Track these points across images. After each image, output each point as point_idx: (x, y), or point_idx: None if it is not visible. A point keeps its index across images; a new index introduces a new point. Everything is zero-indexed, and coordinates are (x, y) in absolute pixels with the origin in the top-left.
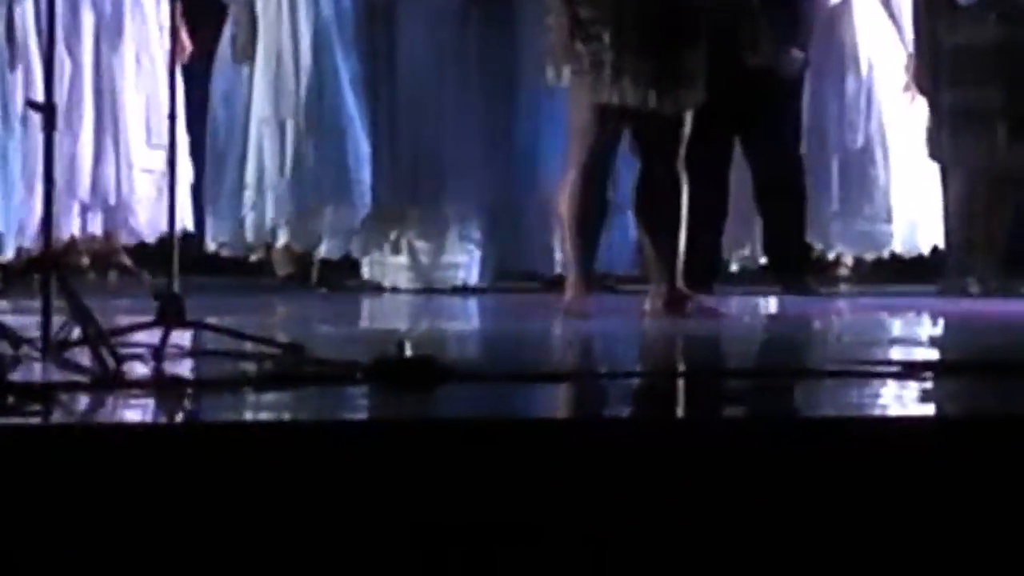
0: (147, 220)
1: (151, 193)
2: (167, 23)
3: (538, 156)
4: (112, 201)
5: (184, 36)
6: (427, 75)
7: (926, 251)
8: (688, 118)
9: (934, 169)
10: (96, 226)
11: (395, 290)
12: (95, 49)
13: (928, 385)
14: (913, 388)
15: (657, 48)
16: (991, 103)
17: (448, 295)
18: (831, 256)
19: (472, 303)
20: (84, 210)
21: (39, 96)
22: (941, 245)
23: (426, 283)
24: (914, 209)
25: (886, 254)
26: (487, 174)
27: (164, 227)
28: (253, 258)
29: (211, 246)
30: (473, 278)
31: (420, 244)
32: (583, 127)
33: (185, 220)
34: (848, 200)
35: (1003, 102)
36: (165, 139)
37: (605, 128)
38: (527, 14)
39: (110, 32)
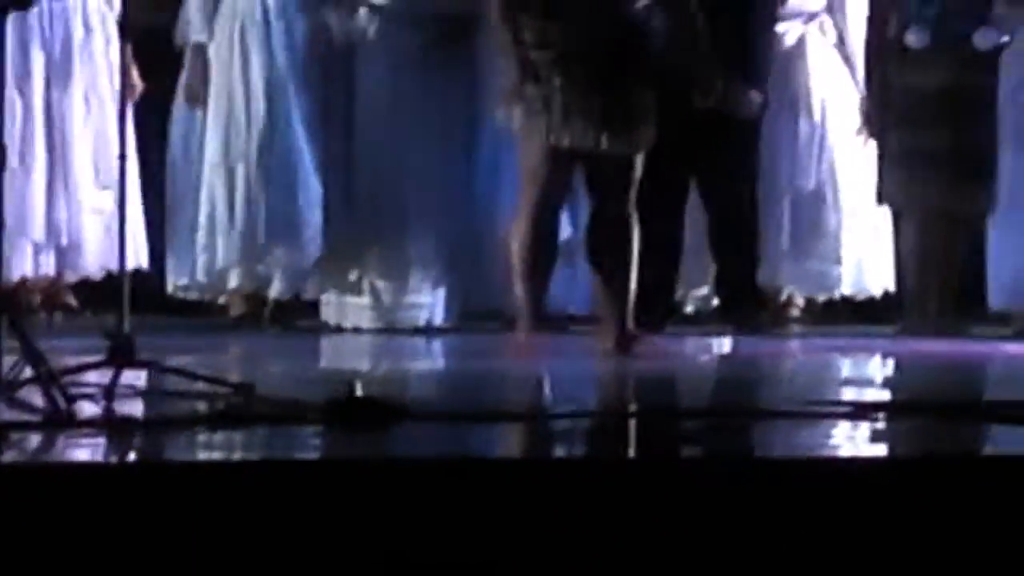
0: (96, 259)
1: (100, 233)
2: (117, 62)
3: (499, 195)
4: (64, 241)
5: (135, 75)
6: (388, 116)
7: (876, 293)
8: (639, 159)
9: (885, 211)
10: (48, 266)
11: (356, 330)
12: (45, 89)
13: (880, 425)
14: (865, 428)
15: (607, 89)
16: (941, 145)
17: (410, 335)
18: (782, 296)
19: (431, 343)
20: (37, 251)
21: None
22: (892, 287)
23: (389, 323)
24: (864, 251)
25: (836, 295)
26: (449, 214)
27: (115, 266)
28: (207, 299)
29: (171, 287)
30: (437, 318)
31: (382, 284)
32: (534, 168)
33: (140, 259)
34: (798, 241)
35: (953, 144)
36: (115, 179)
37: (556, 169)
38: (488, 55)
39: (60, 72)
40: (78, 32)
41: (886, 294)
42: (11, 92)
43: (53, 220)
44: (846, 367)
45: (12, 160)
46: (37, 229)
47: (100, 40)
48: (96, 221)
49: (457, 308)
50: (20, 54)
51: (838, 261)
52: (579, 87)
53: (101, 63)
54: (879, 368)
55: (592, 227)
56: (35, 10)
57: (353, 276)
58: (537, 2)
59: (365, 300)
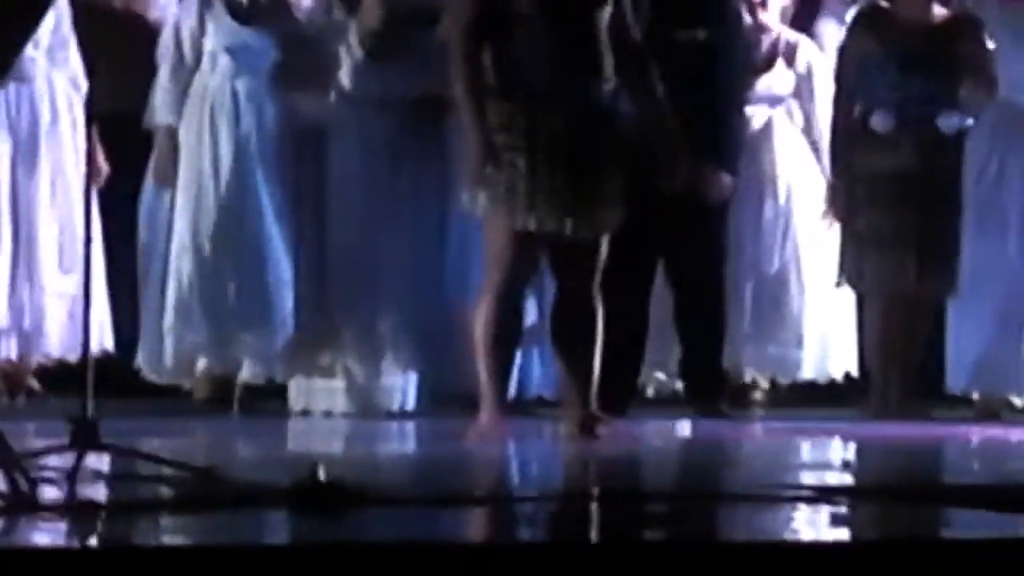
0: (59, 343)
1: (63, 317)
2: (83, 146)
3: (470, 278)
4: (26, 326)
5: (101, 159)
6: (360, 199)
7: (838, 376)
8: (604, 241)
9: (848, 294)
10: (10, 350)
11: (327, 414)
12: (11, 174)
13: (841, 509)
14: (826, 512)
15: (573, 172)
16: (906, 228)
17: (380, 420)
18: (745, 379)
19: (401, 427)
20: None
21: None
22: (854, 371)
23: (363, 406)
24: (827, 335)
25: (797, 379)
26: (421, 296)
27: (78, 350)
28: (174, 382)
29: (143, 369)
30: (410, 402)
31: (356, 367)
32: (498, 252)
33: (105, 342)
34: (760, 324)
35: (917, 227)
36: (79, 263)
37: (520, 253)
38: (458, 138)
39: (26, 157)
40: (45, 116)
41: (848, 377)
42: None
43: (16, 304)
44: (808, 450)
45: None
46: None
47: (67, 124)
48: (59, 305)
49: (428, 391)
50: None
51: (800, 344)
52: (544, 170)
53: (68, 147)
54: (841, 451)
55: (556, 310)
56: (0, 94)
57: (326, 359)
58: (502, 85)
59: (338, 383)
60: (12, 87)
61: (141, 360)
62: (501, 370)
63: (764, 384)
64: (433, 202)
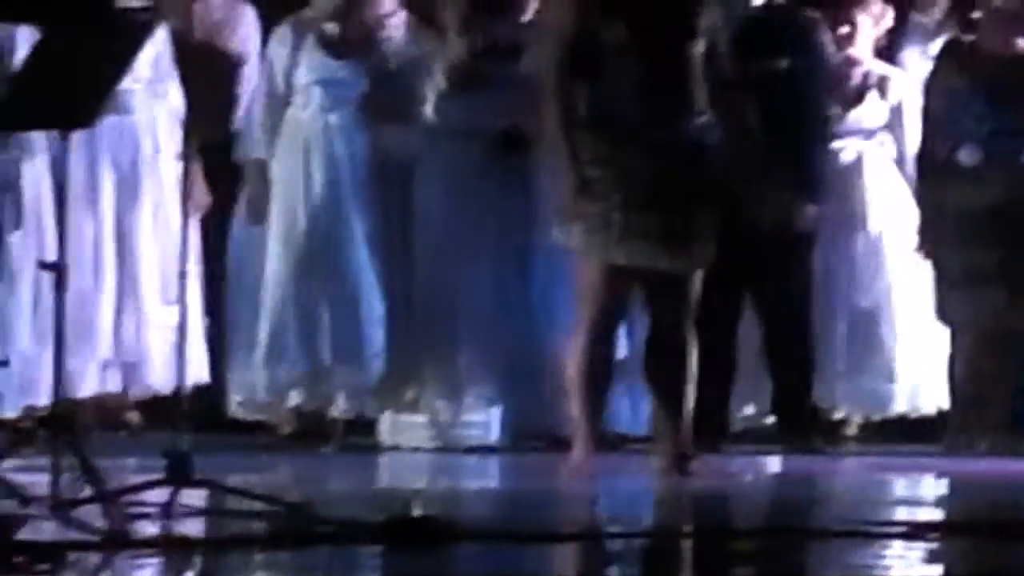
0: (162, 376)
1: (165, 350)
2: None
3: (554, 313)
4: (131, 359)
5: (202, 191)
6: (445, 233)
7: (931, 412)
8: (697, 277)
9: (941, 329)
10: (115, 384)
11: (415, 450)
12: (115, 207)
13: (934, 545)
14: (919, 548)
15: (666, 207)
16: (995, 263)
17: (465, 455)
18: (838, 415)
19: (487, 462)
20: (103, 368)
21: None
22: (946, 406)
23: (445, 442)
24: (920, 370)
25: (890, 414)
26: (504, 332)
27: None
28: (264, 416)
29: (232, 404)
30: (492, 437)
31: (439, 403)
32: (591, 286)
33: (202, 375)
34: (854, 359)
35: (1006, 262)
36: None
37: (613, 288)
38: (543, 170)
39: (129, 190)
40: (147, 149)
41: (940, 412)
42: (81, 212)
43: (120, 337)
44: (900, 486)
45: (85, 279)
46: (104, 348)
47: (168, 157)
48: (162, 337)
49: (511, 427)
50: (89, 173)
51: (892, 379)
52: (637, 204)
53: (169, 180)
54: (933, 487)
55: (648, 347)
56: (102, 130)
57: (410, 395)
58: (594, 119)
59: (421, 418)
60: (114, 120)
61: (232, 395)
62: (594, 406)
63: (857, 419)
64: (516, 235)
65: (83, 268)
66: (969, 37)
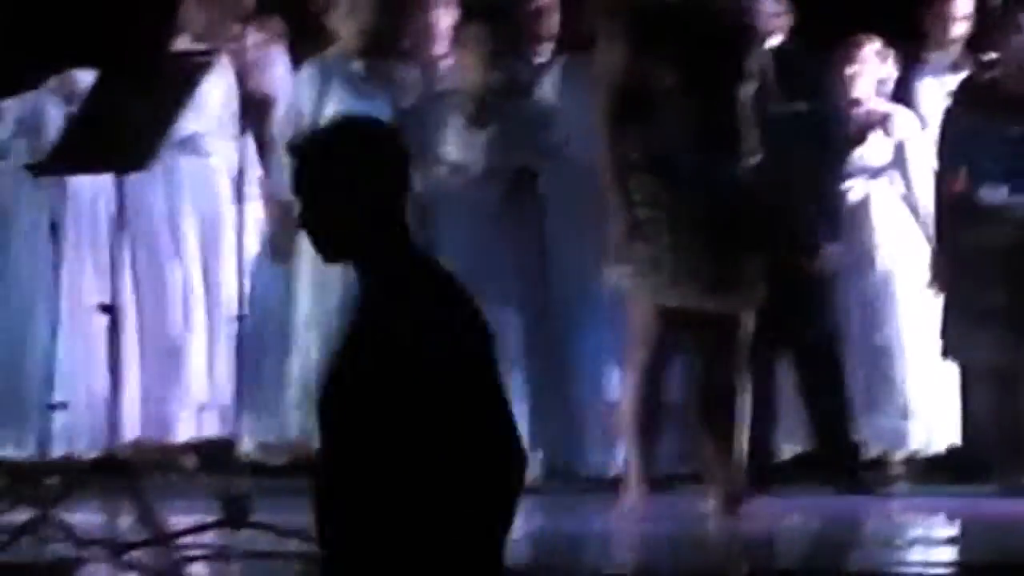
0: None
1: None
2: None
3: (571, 354)
4: (226, 402)
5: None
6: (467, 271)
7: (941, 449)
8: (749, 319)
9: (951, 366)
10: (212, 428)
11: None
12: (201, 252)
13: None
14: None
15: (716, 249)
16: (1010, 302)
17: None
18: (874, 453)
19: (527, 502)
20: (200, 411)
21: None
22: (958, 442)
23: None
24: (933, 407)
25: (905, 451)
26: (530, 372)
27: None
28: (295, 458)
29: (248, 446)
30: (530, 477)
31: None
32: (642, 328)
33: None
34: (869, 397)
35: (1021, 301)
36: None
37: (664, 330)
38: (555, 203)
39: (212, 234)
40: (224, 193)
41: (951, 449)
42: (169, 259)
43: (214, 381)
44: (945, 527)
45: (176, 324)
46: (198, 391)
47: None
48: None
49: (546, 466)
50: (171, 220)
51: (906, 416)
52: (688, 246)
53: (250, 222)
54: (980, 528)
55: (699, 389)
56: (181, 175)
57: None
58: (645, 160)
59: None
60: (191, 163)
61: (257, 437)
62: (646, 447)
63: (899, 458)
64: (535, 275)
65: (173, 312)
66: (989, 74)
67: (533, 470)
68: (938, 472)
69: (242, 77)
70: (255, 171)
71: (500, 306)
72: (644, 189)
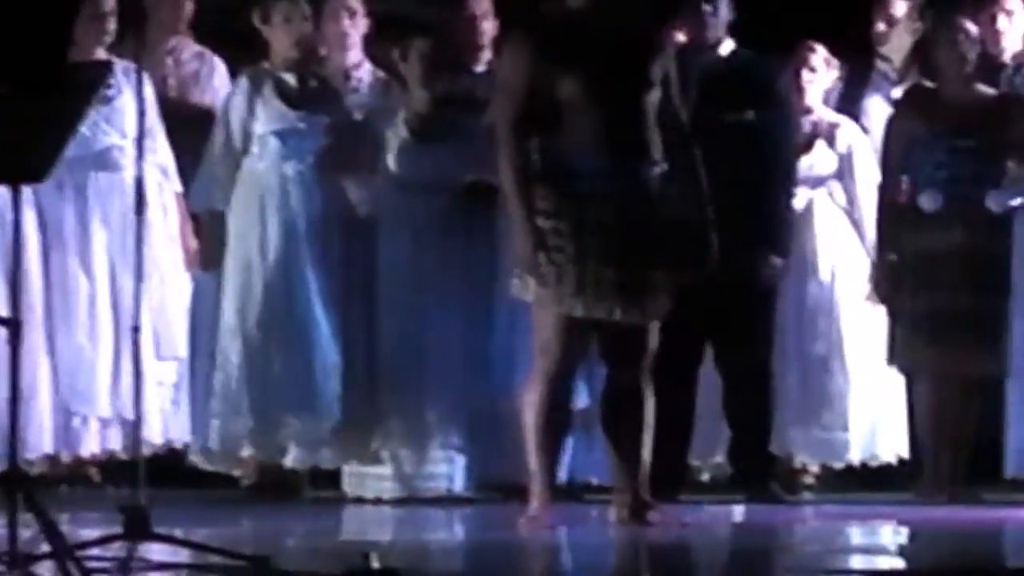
0: (161, 432)
1: (165, 406)
2: (175, 232)
3: (516, 363)
4: (129, 415)
5: (194, 244)
6: (409, 285)
7: (889, 459)
8: (655, 328)
9: (895, 376)
10: (116, 442)
11: (377, 501)
12: (109, 264)
13: None
14: None
15: (622, 259)
16: (954, 309)
17: (429, 506)
18: (796, 463)
19: (448, 513)
20: (104, 426)
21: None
22: (905, 453)
23: (409, 492)
24: (875, 418)
25: (845, 463)
26: (468, 382)
27: (184, 436)
28: (219, 467)
29: (191, 452)
30: (457, 486)
31: (403, 452)
32: (548, 338)
33: (185, 434)
34: (806, 408)
35: (966, 308)
36: (175, 350)
37: (570, 339)
38: (506, 222)
39: (121, 246)
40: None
41: (901, 460)
42: (76, 271)
43: (118, 395)
44: (858, 534)
45: (81, 337)
46: (103, 405)
47: (158, 212)
48: (158, 394)
49: (476, 477)
50: (80, 231)
51: (845, 428)
52: (592, 257)
53: (160, 235)
54: (892, 535)
55: (606, 396)
56: (93, 188)
57: (374, 446)
58: (549, 171)
59: (386, 470)
60: (103, 177)
61: (192, 444)
62: (551, 456)
63: (815, 468)
64: (481, 287)
65: (79, 326)
66: (930, 84)
67: (470, 478)
68: (878, 482)
69: (181, 90)
70: (174, 185)
71: (442, 315)
72: (548, 200)
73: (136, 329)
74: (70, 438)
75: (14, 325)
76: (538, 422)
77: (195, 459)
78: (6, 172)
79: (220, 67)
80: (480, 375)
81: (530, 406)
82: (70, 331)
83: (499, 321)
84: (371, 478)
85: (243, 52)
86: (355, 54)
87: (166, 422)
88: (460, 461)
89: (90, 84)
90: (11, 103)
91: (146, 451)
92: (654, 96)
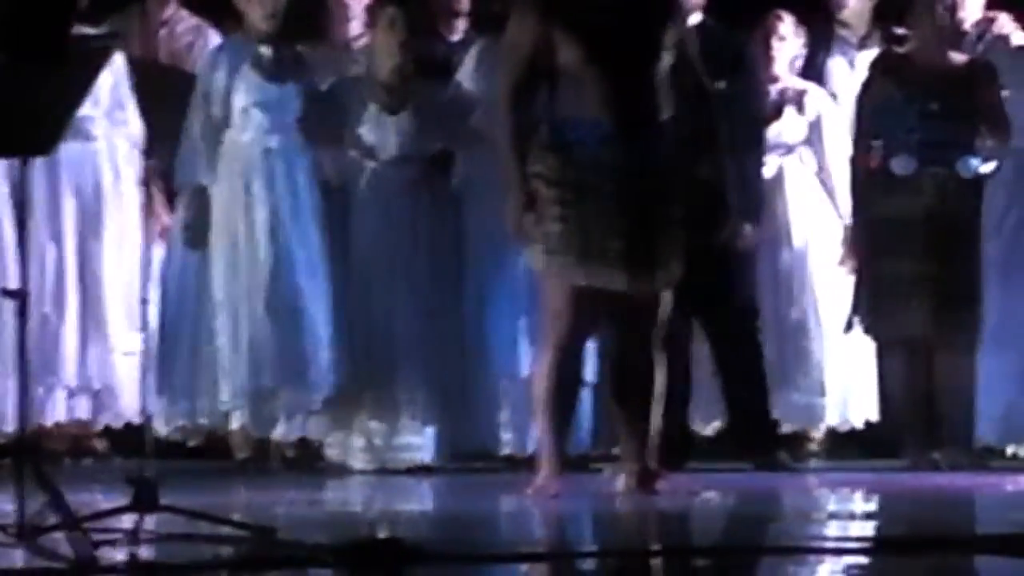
0: (130, 403)
1: (134, 376)
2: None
3: (486, 334)
4: (97, 386)
5: (166, 216)
6: (378, 256)
7: (859, 424)
8: (666, 298)
9: (866, 342)
10: (83, 411)
11: (359, 472)
12: (77, 234)
13: (862, 560)
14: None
15: (626, 228)
16: (925, 273)
17: (404, 476)
18: (789, 429)
19: (429, 483)
20: (70, 395)
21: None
22: (875, 419)
23: (381, 464)
24: (847, 383)
25: (821, 427)
26: (437, 353)
27: (150, 408)
28: (204, 442)
29: (162, 430)
30: (428, 458)
31: (374, 425)
32: (557, 308)
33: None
34: (783, 374)
35: (937, 272)
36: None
37: (579, 309)
38: (474, 194)
39: (91, 217)
40: (107, 176)
41: (868, 424)
42: (44, 240)
43: (86, 365)
44: (861, 501)
45: (46, 307)
46: (70, 375)
47: (129, 183)
48: (128, 364)
49: (447, 448)
50: (51, 200)
51: (822, 392)
52: (596, 226)
53: (131, 206)
54: (893, 502)
55: (614, 367)
56: (63, 157)
57: (351, 417)
58: (552, 138)
59: (359, 441)
60: (75, 147)
61: (171, 421)
62: (560, 426)
63: (818, 434)
64: (448, 257)
65: (46, 295)
66: (901, 49)
67: (441, 449)
68: (853, 447)
69: (174, 61)
70: (137, 156)
71: (412, 287)
72: (551, 167)
73: (144, 302)
74: (34, 408)
75: (21, 297)
76: (548, 392)
77: (176, 434)
78: (13, 145)
79: (214, 38)
80: (448, 346)
81: (539, 376)
82: (36, 300)
83: (467, 291)
84: (350, 449)
85: (236, 23)
86: (356, 25)
87: (136, 394)
88: (430, 433)
89: (97, 55)
90: (17, 74)
91: (119, 423)
92: (664, 62)
